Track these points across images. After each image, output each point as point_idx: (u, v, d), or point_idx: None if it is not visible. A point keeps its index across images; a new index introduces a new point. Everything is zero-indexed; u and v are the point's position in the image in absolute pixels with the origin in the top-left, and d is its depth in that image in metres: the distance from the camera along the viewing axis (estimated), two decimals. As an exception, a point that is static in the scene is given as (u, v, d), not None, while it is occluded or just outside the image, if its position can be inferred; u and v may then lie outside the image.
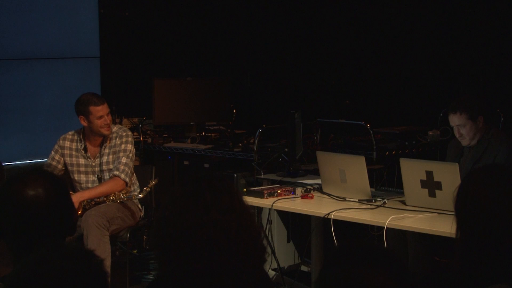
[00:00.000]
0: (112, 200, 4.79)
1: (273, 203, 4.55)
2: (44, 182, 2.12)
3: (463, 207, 2.15)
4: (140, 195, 4.86)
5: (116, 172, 4.84)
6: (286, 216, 5.22)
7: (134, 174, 5.06)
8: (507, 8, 6.04)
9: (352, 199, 4.49)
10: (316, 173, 5.06)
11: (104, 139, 4.94)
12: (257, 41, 7.45)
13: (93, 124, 4.83)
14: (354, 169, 4.48)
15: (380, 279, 1.57)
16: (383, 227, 4.03)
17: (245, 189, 4.83)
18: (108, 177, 4.90)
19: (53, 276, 1.52)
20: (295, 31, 7.23)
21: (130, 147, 4.95)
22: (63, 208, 2.15)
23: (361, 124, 5.71)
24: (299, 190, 4.72)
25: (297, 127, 5.33)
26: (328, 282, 1.61)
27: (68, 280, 1.53)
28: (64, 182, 2.23)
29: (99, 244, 4.56)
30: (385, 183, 5.45)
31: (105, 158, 4.93)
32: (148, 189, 4.85)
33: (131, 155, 4.93)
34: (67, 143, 4.97)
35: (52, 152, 4.99)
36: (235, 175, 5.81)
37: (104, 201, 4.78)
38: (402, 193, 4.43)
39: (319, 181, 4.80)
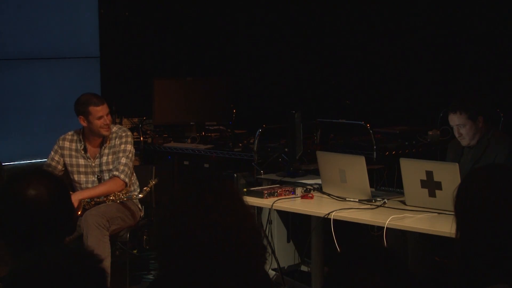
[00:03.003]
0: (112, 200, 4.79)
1: (273, 203, 4.55)
2: (46, 182, 2.12)
3: (463, 207, 2.15)
4: (140, 195, 4.86)
5: (116, 173, 4.84)
6: (286, 216, 5.22)
7: (134, 174, 5.06)
8: (507, 8, 6.04)
9: (352, 199, 4.49)
10: (316, 173, 5.06)
11: (104, 139, 4.94)
12: (257, 41, 7.45)
13: (92, 124, 4.83)
14: (354, 169, 4.48)
15: (382, 284, 1.58)
16: (383, 227, 4.03)
17: (245, 189, 4.83)
18: (107, 177, 4.90)
19: (52, 274, 1.52)
20: (295, 31, 7.23)
21: (129, 147, 4.95)
22: (63, 208, 2.15)
23: (361, 124, 5.70)
24: (299, 190, 4.72)
25: (297, 127, 5.33)
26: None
27: (67, 279, 1.53)
28: (63, 182, 2.23)
29: (99, 244, 4.56)
30: (385, 183, 5.44)
31: (104, 159, 4.93)
32: (148, 189, 4.85)
33: (130, 155, 4.93)
34: (67, 144, 4.96)
35: (52, 153, 4.99)
36: (235, 175, 5.81)
37: (104, 201, 4.78)
38: (402, 193, 4.43)
39: (319, 181, 4.80)
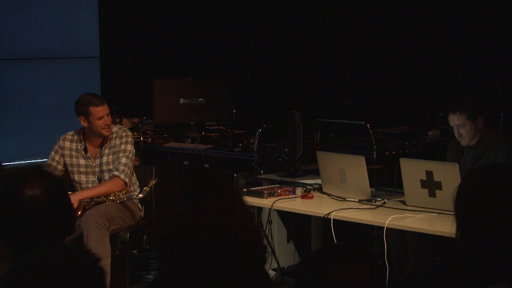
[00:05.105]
0: (112, 200, 4.79)
1: (273, 203, 4.55)
2: (42, 182, 2.12)
3: (463, 207, 2.15)
4: (140, 195, 4.86)
5: (116, 173, 4.84)
6: (286, 216, 5.22)
7: (134, 174, 5.06)
8: (507, 8, 6.04)
9: (352, 199, 4.49)
10: (316, 173, 5.06)
11: (104, 139, 4.94)
12: (257, 41, 7.45)
13: (93, 125, 4.83)
14: (354, 169, 4.48)
15: (355, 274, 1.61)
16: (383, 227, 4.03)
17: (245, 189, 4.83)
18: (108, 177, 4.90)
19: (49, 274, 1.52)
20: (295, 31, 7.23)
21: (130, 147, 4.95)
22: (61, 208, 2.15)
23: (361, 124, 5.70)
24: (299, 190, 4.72)
25: (297, 127, 5.33)
26: (308, 284, 1.65)
27: (64, 278, 1.53)
28: (62, 182, 2.23)
29: (99, 244, 4.56)
30: (385, 183, 5.44)
31: (105, 159, 4.93)
32: (148, 189, 4.85)
33: (130, 155, 4.93)
34: (67, 144, 4.96)
35: (52, 153, 4.99)
36: (235, 175, 5.81)
37: (104, 201, 4.78)
38: (402, 193, 4.43)
39: (319, 181, 4.80)
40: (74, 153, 4.95)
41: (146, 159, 6.46)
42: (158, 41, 7.16)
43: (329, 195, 4.66)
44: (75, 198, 4.64)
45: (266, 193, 4.63)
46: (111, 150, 4.93)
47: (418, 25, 6.58)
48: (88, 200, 4.77)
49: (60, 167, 4.95)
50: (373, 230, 5.41)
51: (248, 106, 7.33)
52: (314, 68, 7.14)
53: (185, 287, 2.10)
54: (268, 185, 5.06)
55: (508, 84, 6.02)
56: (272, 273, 4.96)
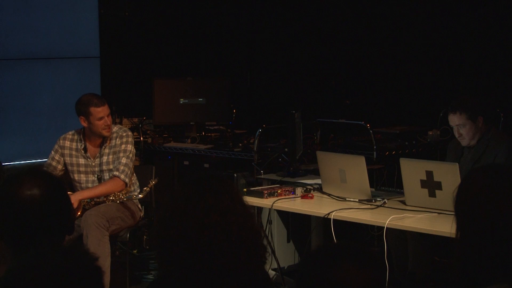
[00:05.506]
0: (112, 200, 4.79)
1: (273, 203, 4.56)
2: (39, 182, 2.11)
3: (463, 207, 2.15)
4: (140, 195, 4.86)
5: (116, 173, 4.84)
6: (286, 216, 5.22)
7: (134, 174, 5.06)
8: (507, 8, 6.04)
9: (352, 199, 4.49)
10: (316, 173, 5.06)
11: (104, 139, 4.94)
12: (257, 41, 7.45)
13: (93, 125, 4.83)
14: (354, 169, 4.48)
15: (355, 274, 1.61)
16: (383, 227, 4.03)
17: (245, 189, 4.83)
18: (108, 177, 4.90)
19: (47, 273, 1.53)
20: (295, 31, 7.22)
21: (130, 147, 4.95)
22: (59, 207, 2.14)
23: (361, 124, 5.71)
24: (299, 190, 4.72)
25: (297, 127, 5.33)
26: (308, 283, 1.65)
27: (62, 277, 1.53)
28: (61, 182, 2.22)
29: (99, 244, 4.56)
30: (385, 183, 5.44)
31: (105, 158, 4.93)
32: (148, 189, 4.85)
33: (131, 155, 4.93)
34: (67, 143, 4.97)
35: (52, 152, 4.99)
36: (235, 175, 5.81)
37: (104, 201, 4.78)
38: (402, 193, 4.43)
39: (319, 181, 4.81)
40: (74, 152, 4.96)
41: (146, 159, 6.46)
42: (158, 41, 7.16)
43: (329, 195, 4.66)
44: (75, 198, 4.64)
45: (266, 193, 4.63)
46: (111, 150, 4.93)
47: (418, 25, 6.58)
48: (88, 200, 4.77)
49: (60, 166, 4.95)
50: (373, 230, 5.42)
51: (248, 106, 7.33)
52: (314, 68, 7.14)
53: (185, 287, 2.10)
54: (268, 185, 5.06)
55: (508, 84, 6.02)
56: (272, 273, 4.96)
